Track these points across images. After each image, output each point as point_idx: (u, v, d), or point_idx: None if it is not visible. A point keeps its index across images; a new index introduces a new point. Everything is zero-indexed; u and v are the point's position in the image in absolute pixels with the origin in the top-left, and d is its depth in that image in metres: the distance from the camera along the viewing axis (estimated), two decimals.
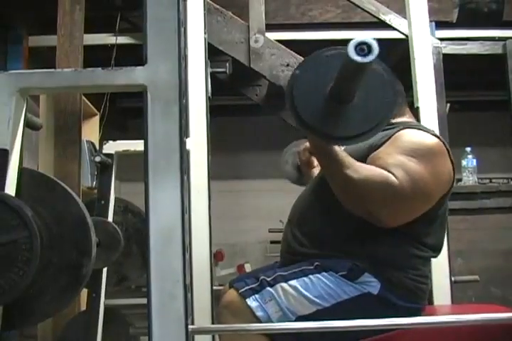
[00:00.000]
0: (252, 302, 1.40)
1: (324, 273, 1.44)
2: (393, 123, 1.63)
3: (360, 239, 1.48)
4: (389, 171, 1.40)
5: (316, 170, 1.82)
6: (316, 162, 1.83)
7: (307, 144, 1.78)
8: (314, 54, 1.17)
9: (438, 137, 1.55)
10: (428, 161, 1.45)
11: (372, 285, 1.43)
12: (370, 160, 1.47)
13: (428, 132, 1.57)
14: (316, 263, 1.46)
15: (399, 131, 1.53)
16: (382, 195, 1.39)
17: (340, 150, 1.41)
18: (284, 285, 1.42)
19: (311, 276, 1.43)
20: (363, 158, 1.48)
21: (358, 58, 0.95)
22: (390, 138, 1.51)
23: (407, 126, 1.57)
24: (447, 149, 1.53)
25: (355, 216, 1.44)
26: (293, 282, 1.42)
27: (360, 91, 1.14)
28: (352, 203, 1.44)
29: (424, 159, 1.45)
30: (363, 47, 0.96)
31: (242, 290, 1.43)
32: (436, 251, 1.57)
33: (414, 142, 1.50)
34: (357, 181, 1.38)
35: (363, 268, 1.44)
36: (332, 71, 1.10)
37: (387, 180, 1.38)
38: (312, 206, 1.59)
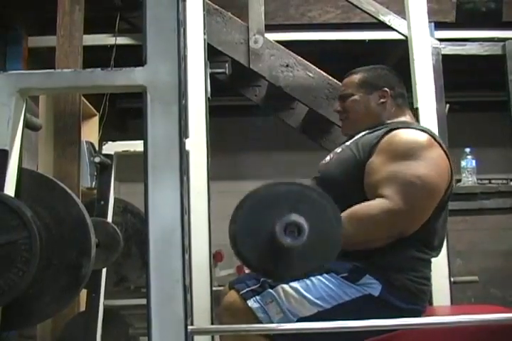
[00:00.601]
0: (253, 303, 1.41)
1: (325, 275, 1.44)
2: (387, 123, 1.64)
3: None
4: (379, 194, 1.41)
5: None
6: None
7: None
8: (255, 194, 1.02)
9: (426, 132, 1.56)
10: (421, 157, 1.47)
11: (373, 287, 1.43)
12: (367, 172, 1.49)
13: (416, 128, 1.58)
14: None
15: (387, 133, 1.54)
16: (385, 222, 1.40)
17: None
18: (285, 286, 1.42)
19: (312, 278, 1.43)
20: (368, 153, 1.50)
21: (287, 241, 0.89)
22: (381, 138, 1.53)
23: (394, 126, 1.58)
24: (438, 142, 1.54)
25: None
26: (294, 283, 1.42)
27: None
28: (369, 245, 1.44)
29: (417, 156, 1.47)
30: (292, 229, 0.89)
31: (243, 291, 1.43)
32: (437, 250, 1.58)
33: (402, 142, 1.51)
34: (356, 230, 1.39)
35: (364, 270, 1.44)
36: (275, 212, 0.96)
37: (380, 208, 1.40)
38: None
